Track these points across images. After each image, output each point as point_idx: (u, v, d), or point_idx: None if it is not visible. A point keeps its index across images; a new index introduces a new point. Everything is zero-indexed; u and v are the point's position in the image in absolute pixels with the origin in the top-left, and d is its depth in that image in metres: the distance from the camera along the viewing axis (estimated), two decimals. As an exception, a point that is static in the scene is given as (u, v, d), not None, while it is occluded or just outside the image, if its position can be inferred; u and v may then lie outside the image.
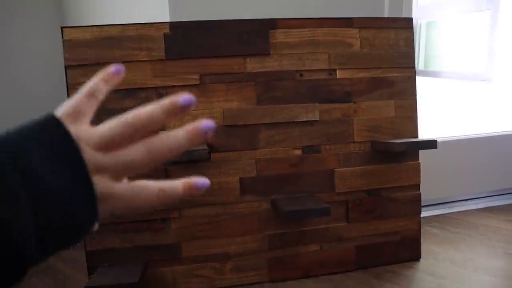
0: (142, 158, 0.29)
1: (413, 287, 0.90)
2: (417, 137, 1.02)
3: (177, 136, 0.30)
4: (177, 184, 0.31)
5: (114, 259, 0.89)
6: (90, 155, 0.28)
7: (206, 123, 0.30)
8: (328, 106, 0.96)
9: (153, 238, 0.90)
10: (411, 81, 1.02)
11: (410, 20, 1.02)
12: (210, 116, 0.91)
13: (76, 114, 0.30)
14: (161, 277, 0.91)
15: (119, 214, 0.31)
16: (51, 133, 0.27)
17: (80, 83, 0.87)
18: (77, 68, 0.87)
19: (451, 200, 1.48)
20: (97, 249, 0.89)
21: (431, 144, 0.93)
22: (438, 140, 0.95)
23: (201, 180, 0.32)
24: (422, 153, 1.03)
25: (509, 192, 1.56)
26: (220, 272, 0.94)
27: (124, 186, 0.30)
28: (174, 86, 0.89)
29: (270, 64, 0.93)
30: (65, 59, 0.87)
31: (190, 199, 0.90)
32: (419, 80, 1.07)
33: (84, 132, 0.29)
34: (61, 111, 0.30)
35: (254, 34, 0.92)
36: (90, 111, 0.31)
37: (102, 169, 0.29)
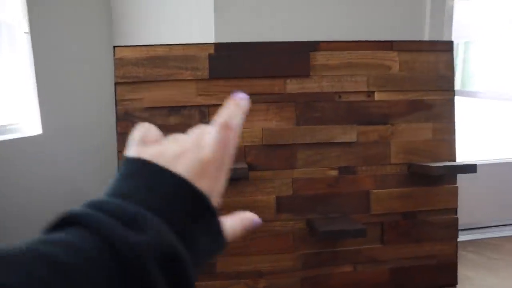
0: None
1: (449, 314, 0.88)
2: (454, 160, 1.01)
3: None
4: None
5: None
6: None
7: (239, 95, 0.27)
8: (366, 128, 0.97)
9: (191, 252, 0.93)
10: (450, 104, 1.02)
11: (450, 43, 1.02)
12: (250, 135, 0.93)
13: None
14: (196, 290, 0.93)
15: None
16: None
17: (127, 100, 0.92)
18: (125, 85, 0.91)
19: (488, 225, 1.44)
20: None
21: (471, 168, 0.92)
22: (477, 163, 0.93)
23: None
24: (459, 176, 1.02)
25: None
26: (254, 288, 0.95)
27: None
28: (216, 104, 0.92)
29: (310, 86, 0.95)
30: (115, 76, 0.91)
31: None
32: (456, 100, 1.05)
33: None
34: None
35: (295, 56, 0.94)
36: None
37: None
